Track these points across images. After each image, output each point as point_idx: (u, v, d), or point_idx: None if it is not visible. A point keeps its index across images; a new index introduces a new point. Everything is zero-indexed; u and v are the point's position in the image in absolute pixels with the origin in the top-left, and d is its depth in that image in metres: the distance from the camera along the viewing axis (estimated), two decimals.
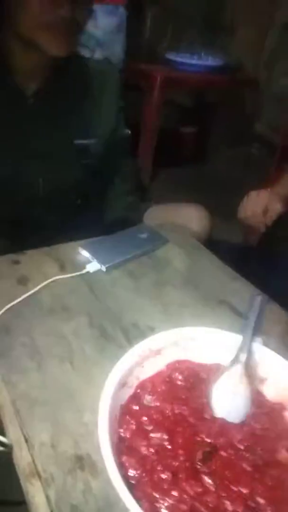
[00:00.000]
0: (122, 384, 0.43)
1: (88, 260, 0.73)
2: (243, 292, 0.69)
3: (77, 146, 0.84)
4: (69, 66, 0.79)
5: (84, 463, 0.42)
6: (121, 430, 0.40)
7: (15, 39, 0.70)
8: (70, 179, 0.89)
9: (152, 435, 0.40)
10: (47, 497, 0.39)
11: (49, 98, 0.77)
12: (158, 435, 0.40)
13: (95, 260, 0.72)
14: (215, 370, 0.48)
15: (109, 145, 0.89)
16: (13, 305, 0.60)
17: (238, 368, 0.45)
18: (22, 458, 0.42)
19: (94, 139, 0.85)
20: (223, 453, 0.40)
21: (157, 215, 0.97)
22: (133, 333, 0.59)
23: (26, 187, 0.83)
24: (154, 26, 2.05)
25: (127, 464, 0.38)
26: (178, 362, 0.48)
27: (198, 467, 0.39)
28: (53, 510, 0.38)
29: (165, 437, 0.40)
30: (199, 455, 0.40)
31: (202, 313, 0.65)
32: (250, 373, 0.46)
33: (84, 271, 0.69)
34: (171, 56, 2.04)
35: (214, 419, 0.42)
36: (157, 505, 0.36)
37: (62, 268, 0.70)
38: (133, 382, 0.45)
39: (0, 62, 0.72)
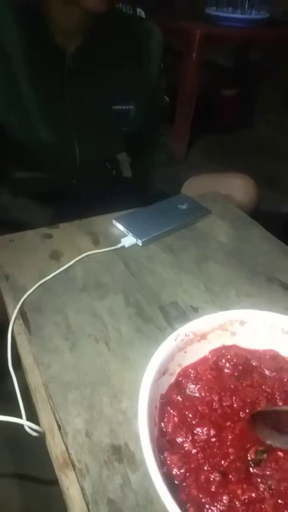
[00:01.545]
0: (163, 372, 0.38)
1: (123, 233, 0.68)
2: None
3: (115, 112, 0.78)
4: (110, 25, 0.72)
5: (122, 454, 0.39)
6: (162, 424, 0.36)
7: None
8: (106, 148, 0.84)
9: (197, 430, 0.36)
10: (82, 489, 0.36)
11: (88, 59, 0.71)
12: (204, 430, 0.36)
13: (130, 233, 0.67)
14: (268, 357, 0.42)
15: (148, 112, 0.83)
16: (45, 281, 0.57)
17: None
18: (55, 446, 0.39)
19: (133, 105, 0.79)
20: (280, 453, 0.35)
21: (197, 186, 0.90)
22: (173, 313, 0.54)
23: (62, 156, 0.79)
24: None
25: (169, 462, 0.34)
26: (225, 347, 0.43)
27: (251, 469, 0.34)
28: (89, 503, 0.36)
29: (212, 432, 0.36)
30: (251, 454, 0.35)
31: (249, 291, 0.59)
32: None
33: (119, 246, 0.65)
34: (211, 11, 1.87)
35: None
36: (205, 511, 0.31)
37: (96, 243, 0.66)
38: (175, 369, 0.40)
39: (39, 19, 0.66)
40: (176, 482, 0.33)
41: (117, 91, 0.77)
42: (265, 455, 0.35)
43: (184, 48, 1.76)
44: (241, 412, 0.37)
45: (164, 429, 0.36)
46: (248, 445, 0.35)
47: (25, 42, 0.68)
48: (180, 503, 0.30)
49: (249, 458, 0.34)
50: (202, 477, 0.33)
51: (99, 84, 0.75)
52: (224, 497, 0.31)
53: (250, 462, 0.34)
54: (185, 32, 1.75)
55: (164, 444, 0.35)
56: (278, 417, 0.34)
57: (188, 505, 0.32)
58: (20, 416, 0.42)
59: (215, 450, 0.35)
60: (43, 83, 0.71)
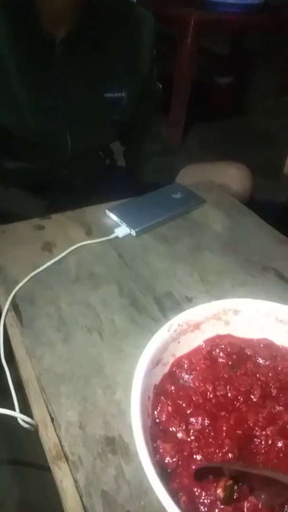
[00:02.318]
0: (156, 362, 0.38)
1: (117, 224, 0.67)
2: None
3: (107, 100, 0.76)
4: (99, 10, 0.70)
5: (115, 446, 0.38)
6: (156, 412, 0.36)
7: None
8: (99, 137, 0.82)
9: (191, 419, 0.35)
10: (76, 482, 0.36)
11: (78, 46, 0.69)
12: (198, 419, 0.35)
13: (124, 223, 0.66)
14: (262, 346, 0.42)
15: (140, 100, 0.81)
16: (38, 273, 0.56)
17: None
18: (48, 439, 0.39)
19: (125, 92, 0.77)
20: (277, 444, 0.34)
21: (192, 175, 0.88)
22: (167, 304, 0.54)
23: (53, 145, 0.77)
24: None
25: (161, 450, 0.34)
26: (219, 337, 0.42)
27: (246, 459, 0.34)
28: (83, 495, 0.35)
29: (207, 422, 0.35)
30: (246, 444, 0.34)
31: (245, 281, 0.58)
32: None
33: (112, 236, 0.64)
34: None
35: (263, 403, 0.36)
36: (197, 500, 0.31)
37: (89, 233, 0.65)
38: (169, 360, 0.40)
39: (25, 5, 0.64)
40: (168, 470, 0.33)
41: (109, 79, 0.75)
42: (260, 446, 0.34)
43: (178, 35, 1.73)
44: (235, 402, 0.37)
45: (157, 418, 0.36)
46: (243, 435, 0.35)
47: (12, 29, 0.66)
48: (172, 492, 0.30)
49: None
50: (193, 467, 0.33)
51: (90, 71, 0.73)
52: (218, 490, 0.31)
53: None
54: (179, 18, 1.72)
55: (157, 432, 0.35)
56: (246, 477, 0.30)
57: (180, 494, 0.31)
58: (13, 409, 0.42)
59: (209, 440, 0.35)
60: (32, 71, 0.69)
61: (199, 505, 0.31)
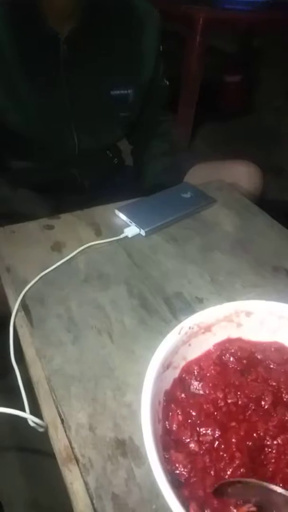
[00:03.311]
0: (167, 366, 0.37)
1: (126, 224, 0.66)
2: None
3: (113, 97, 0.76)
4: (104, 6, 0.69)
5: (126, 448, 0.38)
6: (167, 422, 0.35)
7: None
8: (106, 135, 0.82)
9: (202, 430, 0.35)
10: (86, 484, 0.36)
11: (83, 43, 0.69)
12: (209, 431, 0.35)
13: (133, 223, 0.65)
14: (274, 350, 0.41)
15: (147, 97, 0.80)
16: (47, 273, 0.56)
17: None
18: (58, 441, 0.38)
19: (131, 89, 0.76)
20: None
21: (201, 174, 0.88)
22: (177, 305, 0.53)
23: (60, 144, 0.77)
24: None
25: (174, 460, 0.33)
26: (229, 341, 0.41)
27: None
28: (93, 498, 0.35)
29: (218, 433, 0.34)
30: (256, 455, 0.33)
31: (255, 281, 0.58)
32: None
33: (121, 236, 0.63)
34: None
35: (274, 410, 0.36)
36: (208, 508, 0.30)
37: (98, 233, 0.65)
38: (179, 363, 0.39)
39: (30, 3, 0.64)
40: (181, 480, 0.32)
41: (115, 76, 0.75)
42: (270, 457, 0.33)
43: (186, 33, 1.72)
44: (246, 409, 0.36)
45: (168, 427, 0.35)
46: (253, 447, 0.34)
47: (16, 28, 0.65)
48: (183, 500, 0.30)
49: (254, 461, 0.32)
50: (207, 481, 0.32)
51: (96, 68, 0.73)
52: (231, 507, 0.30)
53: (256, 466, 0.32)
54: (187, 16, 1.71)
55: (169, 442, 0.34)
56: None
57: (190, 500, 0.31)
58: (23, 409, 0.42)
59: (220, 453, 0.34)
60: (37, 69, 0.69)
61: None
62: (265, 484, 0.29)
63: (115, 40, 0.73)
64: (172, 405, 0.36)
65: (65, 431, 0.39)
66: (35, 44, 0.67)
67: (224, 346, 0.40)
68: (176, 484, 0.31)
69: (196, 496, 0.31)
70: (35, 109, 0.71)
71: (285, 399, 0.37)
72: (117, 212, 0.68)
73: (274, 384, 0.37)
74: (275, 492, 0.29)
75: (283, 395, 0.37)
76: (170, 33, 0.86)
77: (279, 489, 0.28)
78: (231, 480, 0.31)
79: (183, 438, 0.34)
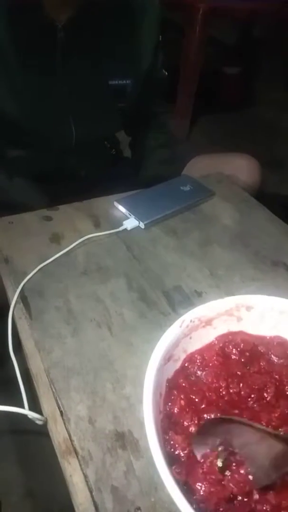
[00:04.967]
0: (168, 358, 0.37)
1: (125, 216, 0.66)
2: None
3: (111, 87, 0.74)
4: None
5: (125, 441, 0.38)
6: (168, 407, 0.35)
7: None
8: (103, 124, 0.81)
9: (204, 415, 0.35)
10: (86, 477, 0.36)
11: (81, 31, 0.67)
12: (211, 416, 0.35)
13: (132, 216, 0.65)
14: (276, 344, 0.41)
15: (145, 87, 0.79)
16: (46, 265, 0.55)
17: None
18: (57, 433, 0.38)
19: (130, 79, 0.75)
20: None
21: (200, 166, 0.87)
22: (177, 298, 0.53)
23: (57, 135, 0.76)
24: None
25: (172, 442, 0.34)
26: (231, 333, 0.41)
27: None
28: (93, 490, 0.35)
29: None
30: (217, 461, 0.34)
31: (255, 275, 0.58)
32: None
33: (120, 228, 0.63)
34: None
35: (276, 402, 0.36)
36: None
37: (97, 225, 0.64)
38: (180, 356, 0.39)
39: None
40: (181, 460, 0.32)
41: (113, 66, 0.73)
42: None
43: (186, 23, 1.69)
44: (248, 399, 0.36)
45: (169, 411, 0.35)
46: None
47: (12, 15, 0.64)
48: (181, 483, 0.30)
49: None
50: (208, 461, 0.32)
51: (93, 57, 0.71)
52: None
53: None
54: (187, 6, 1.68)
55: (168, 425, 0.34)
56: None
57: (189, 483, 0.31)
58: (21, 401, 0.42)
59: None
60: (34, 57, 0.67)
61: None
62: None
63: (113, 29, 0.71)
64: (174, 391, 0.36)
65: (65, 424, 0.39)
66: (32, 31, 0.65)
67: (227, 338, 0.40)
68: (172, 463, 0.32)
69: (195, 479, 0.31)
70: (32, 98, 0.70)
71: (287, 392, 0.37)
72: (116, 204, 0.68)
73: (276, 377, 0.38)
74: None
75: (286, 388, 0.37)
76: (169, 22, 0.85)
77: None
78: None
79: (183, 421, 0.34)
